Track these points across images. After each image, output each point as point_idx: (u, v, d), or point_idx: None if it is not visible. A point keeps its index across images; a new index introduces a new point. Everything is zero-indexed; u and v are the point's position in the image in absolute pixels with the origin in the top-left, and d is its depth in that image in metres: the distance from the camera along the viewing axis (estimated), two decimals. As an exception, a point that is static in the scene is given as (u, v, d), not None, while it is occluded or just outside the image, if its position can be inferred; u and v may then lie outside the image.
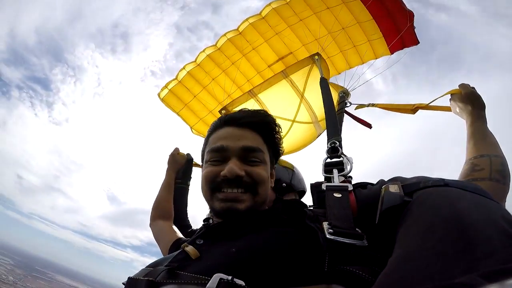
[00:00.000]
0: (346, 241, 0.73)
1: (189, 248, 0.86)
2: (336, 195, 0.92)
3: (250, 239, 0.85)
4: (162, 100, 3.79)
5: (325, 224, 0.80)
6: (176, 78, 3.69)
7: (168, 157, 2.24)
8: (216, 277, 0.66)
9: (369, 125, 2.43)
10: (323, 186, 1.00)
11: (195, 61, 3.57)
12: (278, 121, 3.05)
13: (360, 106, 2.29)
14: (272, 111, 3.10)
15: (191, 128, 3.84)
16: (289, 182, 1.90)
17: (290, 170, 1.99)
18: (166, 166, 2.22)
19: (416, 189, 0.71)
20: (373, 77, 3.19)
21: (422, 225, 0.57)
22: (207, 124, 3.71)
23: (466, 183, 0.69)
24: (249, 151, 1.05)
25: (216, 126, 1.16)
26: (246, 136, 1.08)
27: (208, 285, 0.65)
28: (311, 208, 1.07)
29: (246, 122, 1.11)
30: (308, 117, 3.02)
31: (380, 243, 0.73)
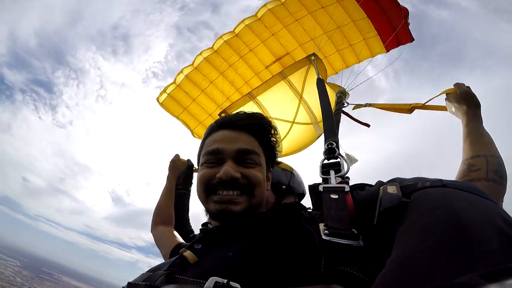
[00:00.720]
0: (342, 241, 0.74)
1: (187, 253, 0.88)
2: (332, 196, 0.92)
3: (246, 243, 0.86)
4: (161, 104, 3.79)
5: (321, 226, 0.80)
6: (174, 82, 3.69)
7: (168, 163, 2.26)
8: (212, 280, 0.67)
9: (367, 125, 2.43)
10: (320, 188, 1.00)
11: (192, 64, 3.56)
12: (277, 122, 3.05)
13: (358, 106, 2.29)
14: (271, 113, 3.11)
15: (191, 132, 3.85)
16: (288, 184, 1.90)
17: (289, 172, 1.99)
18: (167, 172, 2.23)
19: (414, 189, 0.72)
20: (372, 76, 3.18)
21: (421, 226, 0.57)
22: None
23: (464, 184, 0.70)
24: (245, 153, 1.06)
25: (212, 129, 1.17)
26: (242, 139, 1.09)
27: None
28: (309, 210, 1.07)
29: (241, 125, 1.11)
30: (308, 118, 3.03)
31: (378, 243, 0.73)
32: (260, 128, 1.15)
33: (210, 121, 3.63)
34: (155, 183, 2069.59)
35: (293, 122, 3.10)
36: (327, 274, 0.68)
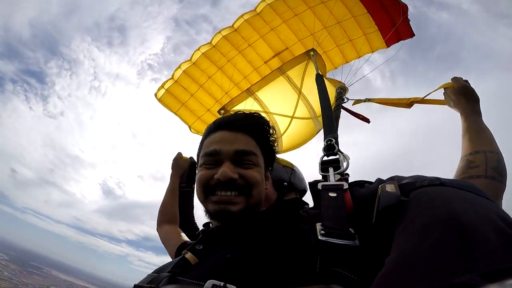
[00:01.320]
0: (338, 242, 0.75)
1: (189, 255, 0.91)
2: (331, 194, 0.92)
3: (244, 244, 0.88)
4: (159, 100, 3.77)
5: (318, 225, 0.81)
6: (172, 78, 3.66)
7: (171, 162, 2.24)
8: (209, 283, 0.71)
9: (367, 120, 2.43)
10: (319, 186, 1.00)
11: (190, 59, 3.54)
12: (276, 118, 3.02)
13: (358, 101, 2.30)
14: (270, 108, 3.10)
15: (189, 127, 3.84)
16: (289, 181, 1.90)
17: (290, 169, 1.99)
18: (170, 171, 2.22)
19: (412, 188, 0.72)
20: (371, 71, 3.18)
21: (420, 225, 0.57)
22: (206, 123, 3.73)
23: (462, 182, 0.70)
24: (242, 154, 1.06)
25: (210, 130, 1.17)
26: (239, 140, 1.09)
27: None
28: (307, 208, 1.10)
29: (239, 126, 1.12)
30: (307, 112, 3.02)
31: (376, 242, 0.74)
32: (258, 128, 1.15)
33: (208, 117, 3.72)
34: (147, 176, 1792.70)
35: (292, 117, 3.10)
36: (322, 274, 0.70)
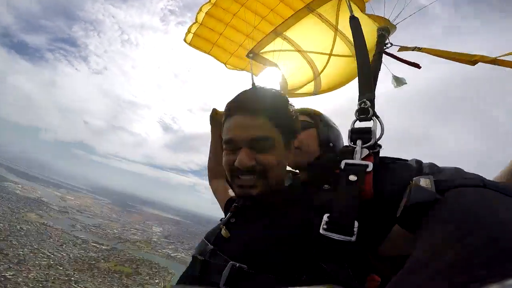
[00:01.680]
0: (336, 237, 0.80)
1: (223, 232, 1.13)
2: (351, 178, 0.91)
3: (258, 227, 1.08)
4: (190, 44, 3.65)
5: (325, 217, 0.87)
6: (196, 21, 3.46)
7: (209, 119, 2.24)
8: (229, 265, 0.90)
9: (417, 66, 2.08)
10: (342, 164, 1.00)
11: (209, 1, 3.25)
12: (312, 56, 2.73)
13: (404, 48, 1.95)
14: (303, 47, 2.84)
15: (225, 64, 3.77)
16: (334, 144, 1.91)
17: (338, 132, 1.99)
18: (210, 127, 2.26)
19: (450, 187, 0.68)
20: (431, 3, 2.44)
21: (454, 227, 0.55)
22: (239, 57, 3.64)
23: (506, 187, 0.64)
24: (258, 140, 1.11)
25: (227, 114, 1.22)
26: (254, 125, 1.12)
27: (224, 272, 0.89)
28: (326, 187, 1.19)
29: (252, 110, 1.14)
30: (347, 49, 2.61)
31: (379, 236, 0.79)
32: (272, 108, 1.16)
33: (242, 52, 3.57)
34: (196, 109, 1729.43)
35: (330, 55, 2.73)
36: (312, 267, 0.80)
